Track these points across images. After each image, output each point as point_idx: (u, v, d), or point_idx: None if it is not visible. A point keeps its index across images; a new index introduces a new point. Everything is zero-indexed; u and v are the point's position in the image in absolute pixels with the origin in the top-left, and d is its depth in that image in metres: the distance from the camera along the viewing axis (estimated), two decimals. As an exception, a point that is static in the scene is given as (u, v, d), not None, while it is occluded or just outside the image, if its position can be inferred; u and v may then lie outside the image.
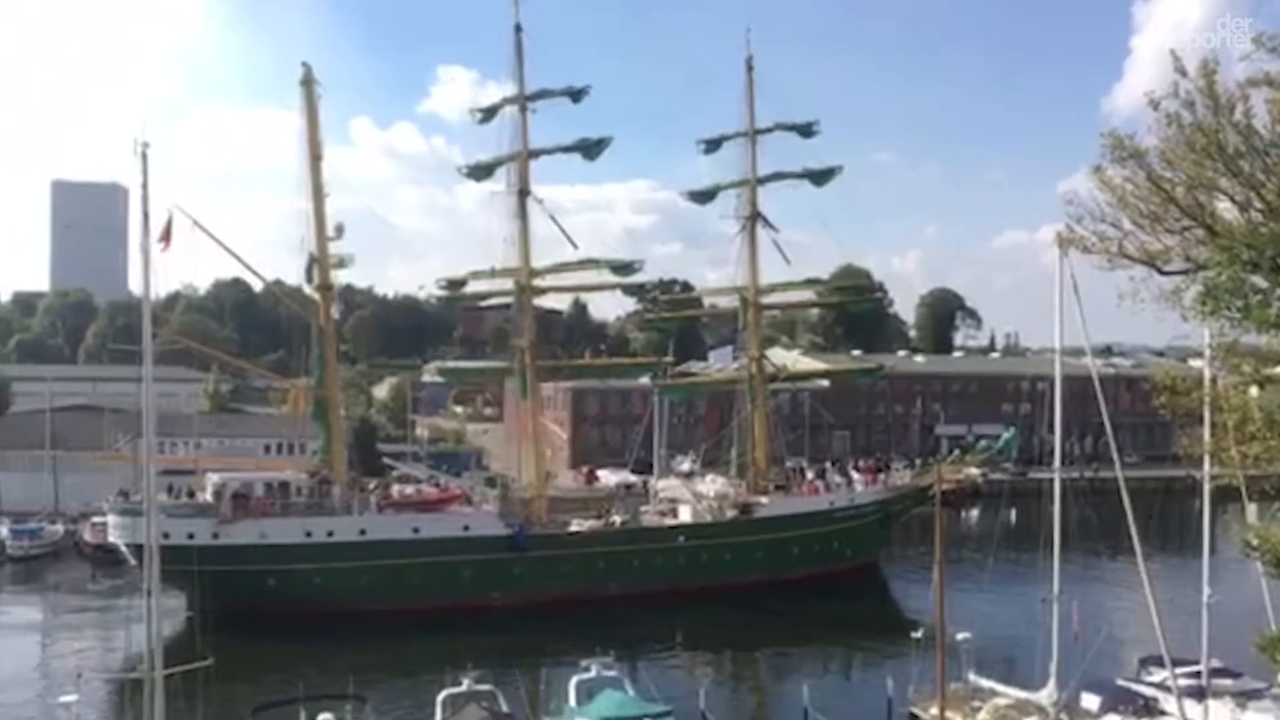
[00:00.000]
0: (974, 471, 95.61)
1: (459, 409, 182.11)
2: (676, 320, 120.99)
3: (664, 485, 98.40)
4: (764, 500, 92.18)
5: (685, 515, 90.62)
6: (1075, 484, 56.18)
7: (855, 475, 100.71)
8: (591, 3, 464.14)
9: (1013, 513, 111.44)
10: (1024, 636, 57.35)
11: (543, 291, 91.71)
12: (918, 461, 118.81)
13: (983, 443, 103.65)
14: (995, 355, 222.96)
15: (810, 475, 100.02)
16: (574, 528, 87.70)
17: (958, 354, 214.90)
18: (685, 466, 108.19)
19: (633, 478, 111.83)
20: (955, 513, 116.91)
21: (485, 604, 79.33)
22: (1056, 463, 51.05)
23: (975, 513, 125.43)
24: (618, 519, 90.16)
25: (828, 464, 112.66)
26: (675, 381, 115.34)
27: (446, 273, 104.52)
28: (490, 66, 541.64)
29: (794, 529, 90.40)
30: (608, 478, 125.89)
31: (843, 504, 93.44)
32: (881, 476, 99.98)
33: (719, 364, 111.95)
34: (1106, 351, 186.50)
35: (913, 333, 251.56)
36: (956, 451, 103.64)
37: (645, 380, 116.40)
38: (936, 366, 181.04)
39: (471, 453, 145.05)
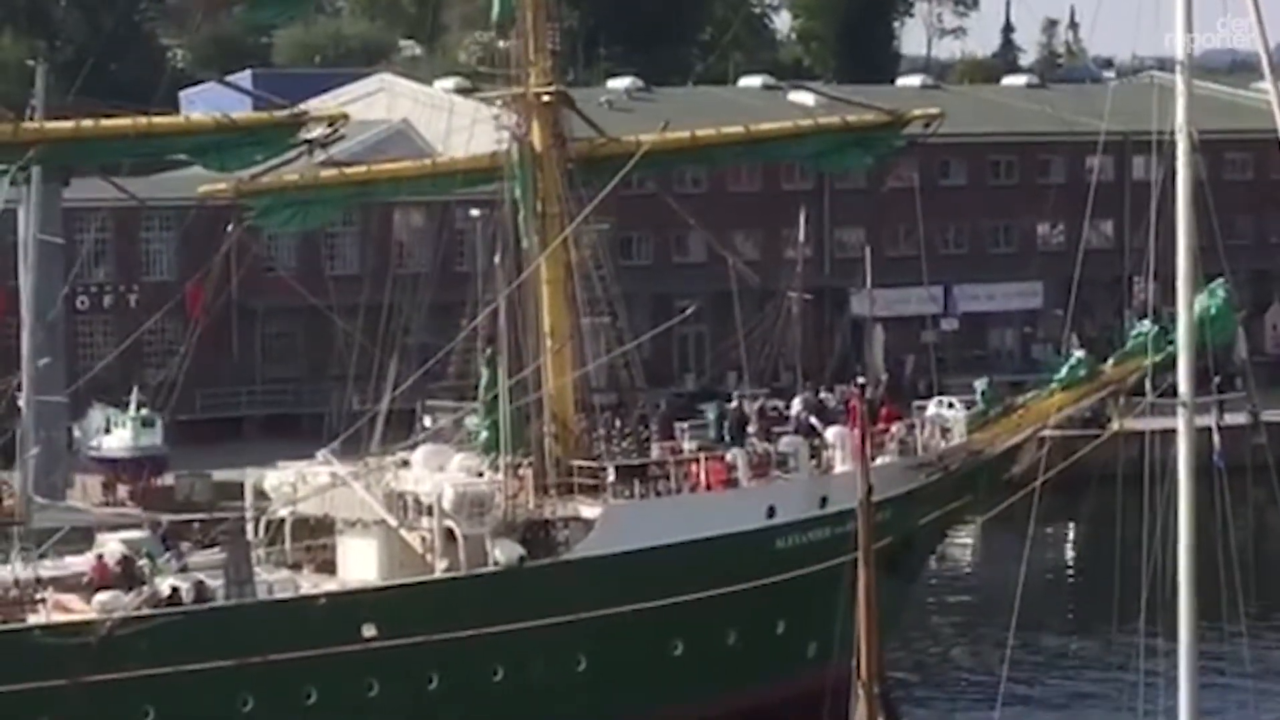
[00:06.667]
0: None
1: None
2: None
3: (295, 475, 33.14)
4: (584, 510, 31.57)
5: (366, 564, 31.34)
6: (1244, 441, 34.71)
7: (828, 432, 33.84)
8: None
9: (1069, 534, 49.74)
10: None
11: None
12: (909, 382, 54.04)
13: (1139, 329, 32.81)
14: (1015, 83, 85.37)
15: (687, 437, 34.71)
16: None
17: (910, 81, 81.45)
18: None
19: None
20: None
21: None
22: (1183, 389, 17.92)
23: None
24: (171, 586, 28.61)
25: (738, 399, 36.27)
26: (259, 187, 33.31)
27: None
28: None
29: (674, 588, 31.54)
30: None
31: (801, 508, 32.40)
32: (897, 430, 34.61)
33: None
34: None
35: (784, 27, 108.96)
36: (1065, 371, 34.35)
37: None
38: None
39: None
